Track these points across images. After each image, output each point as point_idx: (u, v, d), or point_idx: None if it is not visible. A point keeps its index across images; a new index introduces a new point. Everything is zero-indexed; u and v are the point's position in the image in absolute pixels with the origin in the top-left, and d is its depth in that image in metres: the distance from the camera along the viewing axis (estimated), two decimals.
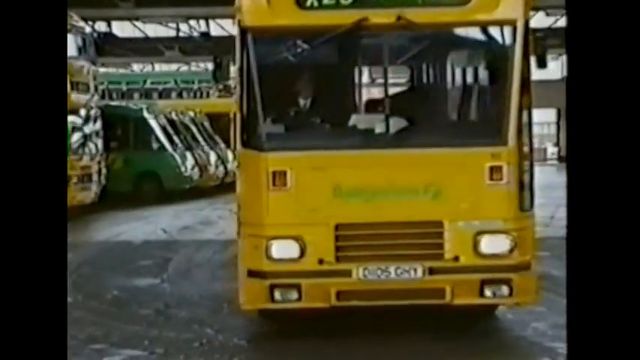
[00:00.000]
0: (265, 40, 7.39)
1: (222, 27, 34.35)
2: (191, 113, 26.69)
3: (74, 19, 19.59)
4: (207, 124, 27.44)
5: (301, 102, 8.03)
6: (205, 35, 33.36)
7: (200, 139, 25.94)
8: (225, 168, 26.57)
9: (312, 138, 7.50)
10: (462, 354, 7.24)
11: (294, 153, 7.25)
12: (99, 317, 9.05)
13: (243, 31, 7.23)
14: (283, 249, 7.12)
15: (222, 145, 27.22)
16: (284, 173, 7.10)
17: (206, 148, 25.88)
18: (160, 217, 19.18)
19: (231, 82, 7.36)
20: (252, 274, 7.26)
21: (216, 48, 35.28)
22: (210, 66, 41.22)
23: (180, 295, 10.09)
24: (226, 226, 17.20)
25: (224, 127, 28.63)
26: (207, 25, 33.26)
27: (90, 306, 9.63)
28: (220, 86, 32.01)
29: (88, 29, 21.55)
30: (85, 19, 22.16)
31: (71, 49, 19.12)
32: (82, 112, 19.65)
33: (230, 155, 27.20)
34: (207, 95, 31.76)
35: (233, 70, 7.57)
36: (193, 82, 32.69)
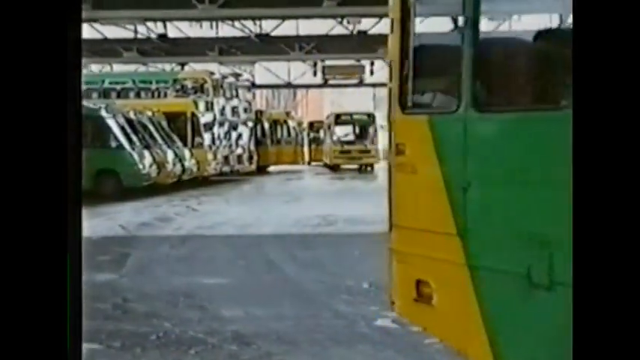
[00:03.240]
0: None
1: (180, 29, 34.63)
2: (149, 113, 26.72)
3: None
4: (164, 123, 27.52)
5: None
6: (163, 37, 33.57)
7: (158, 137, 26.01)
8: (183, 166, 26.75)
9: None
10: None
11: None
12: None
13: None
14: None
15: (179, 144, 27.47)
16: None
17: (164, 146, 25.95)
18: (118, 214, 19.05)
19: None
20: None
21: (174, 49, 35.78)
22: (167, 67, 41.40)
23: (138, 290, 10.03)
24: (183, 222, 17.51)
25: (181, 126, 28.98)
26: (165, 27, 33.40)
27: None
28: (177, 86, 32.29)
29: None
30: None
31: None
32: None
33: (187, 153, 27.52)
34: (165, 95, 31.77)
35: None
36: (151, 83, 32.66)
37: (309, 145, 50.69)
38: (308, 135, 51.03)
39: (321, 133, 46.90)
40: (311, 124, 52.41)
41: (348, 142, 41.54)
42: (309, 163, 49.07)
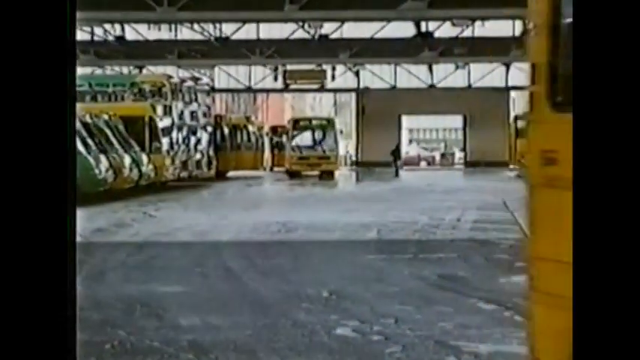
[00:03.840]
0: None
1: (138, 31, 34.45)
2: (105, 116, 26.61)
3: None
4: (121, 127, 27.39)
5: None
6: (120, 39, 33.41)
7: (114, 142, 25.92)
8: (140, 171, 26.61)
9: None
10: None
11: None
12: None
13: None
14: None
15: (137, 148, 27.32)
16: None
17: (120, 151, 25.85)
18: None
19: None
20: None
21: (131, 52, 35.58)
22: (124, 70, 41.24)
23: (94, 298, 9.91)
24: (140, 229, 17.36)
25: (139, 130, 28.78)
26: (123, 29, 33.26)
27: None
28: (135, 90, 32.10)
29: None
30: None
31: None
32: None
33: (145, 158, 27.35)
34: (122, 99, 31.64)
35: None
36: (108, 86, 32.55)
37: (272, 151, 50.53)
38: (271, 140, 50.88)
39: (284, 139, 46.72)
40: (274, 129, 52.22)
41: (307, 148, 41.38)
42: (271, 169, 48.89)
